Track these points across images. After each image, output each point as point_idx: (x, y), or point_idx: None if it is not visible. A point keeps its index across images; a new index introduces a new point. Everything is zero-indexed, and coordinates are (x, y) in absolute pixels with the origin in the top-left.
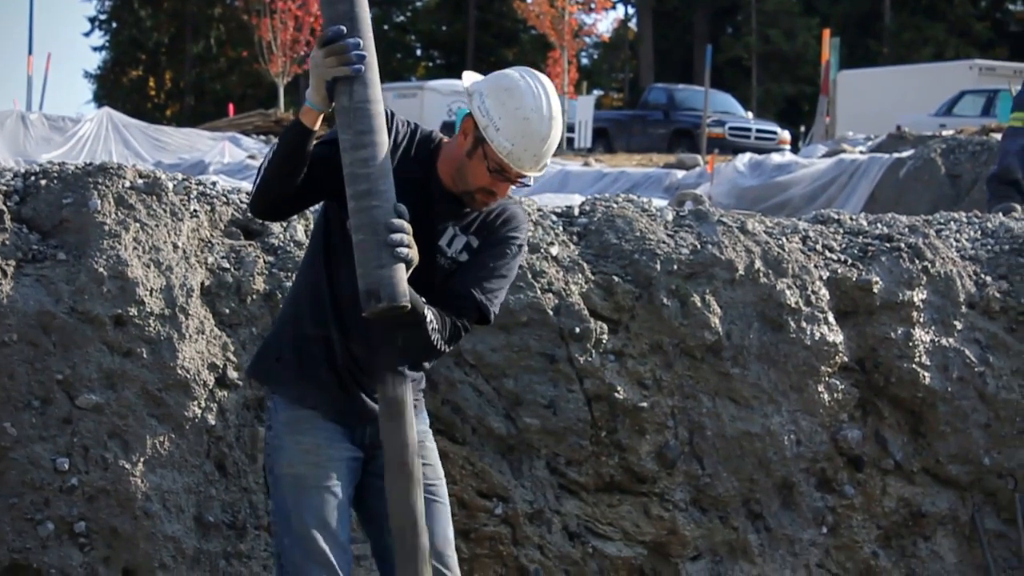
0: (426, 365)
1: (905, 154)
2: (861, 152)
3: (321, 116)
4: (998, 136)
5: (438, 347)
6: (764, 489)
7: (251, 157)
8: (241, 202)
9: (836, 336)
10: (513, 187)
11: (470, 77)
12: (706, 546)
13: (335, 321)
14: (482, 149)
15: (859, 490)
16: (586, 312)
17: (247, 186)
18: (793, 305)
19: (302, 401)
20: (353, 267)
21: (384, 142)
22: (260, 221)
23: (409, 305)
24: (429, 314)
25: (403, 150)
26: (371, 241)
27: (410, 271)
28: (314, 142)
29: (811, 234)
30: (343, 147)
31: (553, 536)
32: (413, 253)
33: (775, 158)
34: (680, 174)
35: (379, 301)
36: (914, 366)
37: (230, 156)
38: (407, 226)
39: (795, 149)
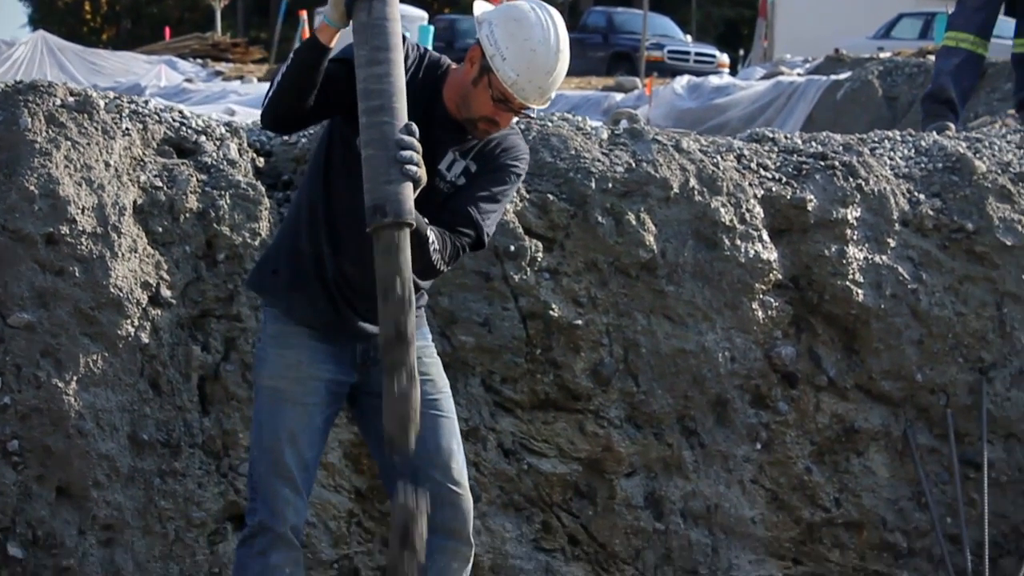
0: (425, 284)
1: (842, 76)
2: (799, 75)
3: (337, 33)
4: (934, 58)
5: (438, 267)
6: (698, 406)
7: (188, 81)
8: (174, 120)
9: (770, 254)
10: (516, 118)
11: (481, 6)
12: (641, 462)
13: (328, 238)
14: (487, 78)
15: (793, 406)
16: (521, 230)
17: (180, 107)
18: (727, 223)
19: (291, 314)
20: (350, 185)
21: (400, 60)
22: (194, 140)
23: (415, 223)
24: (431, 234)
25: (411, 74)
26: (381, 156)
27: (417, 191)
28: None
29: (746, 152)
30: (358, 63)
31: (488, 453)
32: (422, 172)
33: (713, 81)
34: (619, 97)
35: (384, 216)
36: (848, 283)
37: (167, 80)
38: (417, 145)
39: (734, 72)
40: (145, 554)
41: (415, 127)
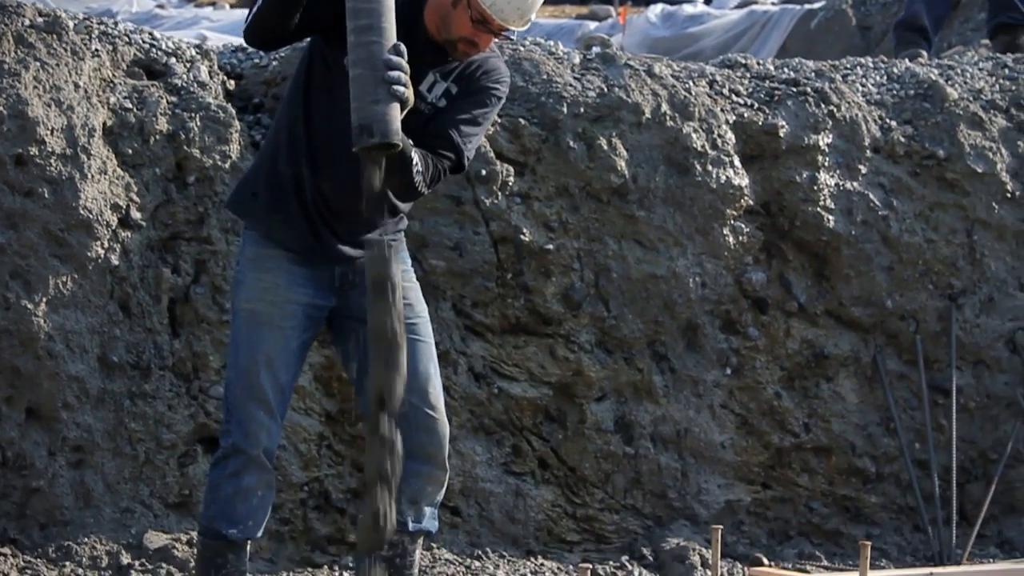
0: (404, 207)
1: (816, 5)
2: (772, 4)
3: None
4: None
5: (419, 189)
6: (669, 331)
7: (160, 7)
8: (144, 42)
9: (741, 180)
10: (496, 40)
11: None
12: (611, 387)
13: (308, 159)
14: None
15: (763, 332)
16: (492, 154)
17: (150, 29)
18: (699, 149)
19: (270, 237)
20: (331, 107)
21: None
22: (164, 62)
23: (401, 144)
24: (415, 156)
25: None
26: (368, 76)
27: (404, 112)
28: None
29: (718, 78)
30: None
31: (459, 377)
32: (409, 93)
33: (687, 9)
34: (592, 25)
35: (371, 136)
36: (819, 210)
37: (138, 6)
38: (406, 65)
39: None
40: (115, 476)
41: (403, 48)
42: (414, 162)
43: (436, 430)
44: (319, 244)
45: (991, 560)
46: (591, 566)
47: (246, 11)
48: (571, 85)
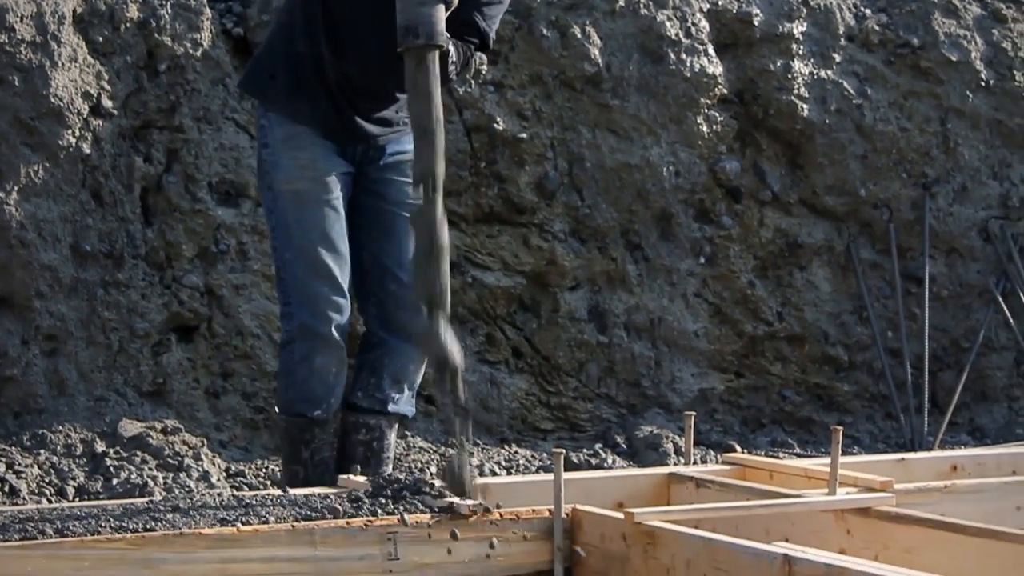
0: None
1: None
2: None
3: None
4: None
5: (451, 79)
6: (643, 220)
7: None
8: None
9: (716, 68)
10: None
11: None
12: (585, 276)
13: (328, 41)
14: None
15: (737, 221)
16: None
17: None
18: (673, 37)
19: (296, 117)
20: None
21: None
22: None
23: (446, 46)
24: (452, 49)
25: None
26: None
27: (449, 11)
28: None
29: None
30: None
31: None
32: None
33: None
34: None
35: (417, 38)
36: (793, 98)
37: None
38: None
39: None
40: (89, 364)
41: None
42: (451, 56)
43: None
44: (342, 123)
45: (962, 447)
46: (564, 451)
47: None
48: None
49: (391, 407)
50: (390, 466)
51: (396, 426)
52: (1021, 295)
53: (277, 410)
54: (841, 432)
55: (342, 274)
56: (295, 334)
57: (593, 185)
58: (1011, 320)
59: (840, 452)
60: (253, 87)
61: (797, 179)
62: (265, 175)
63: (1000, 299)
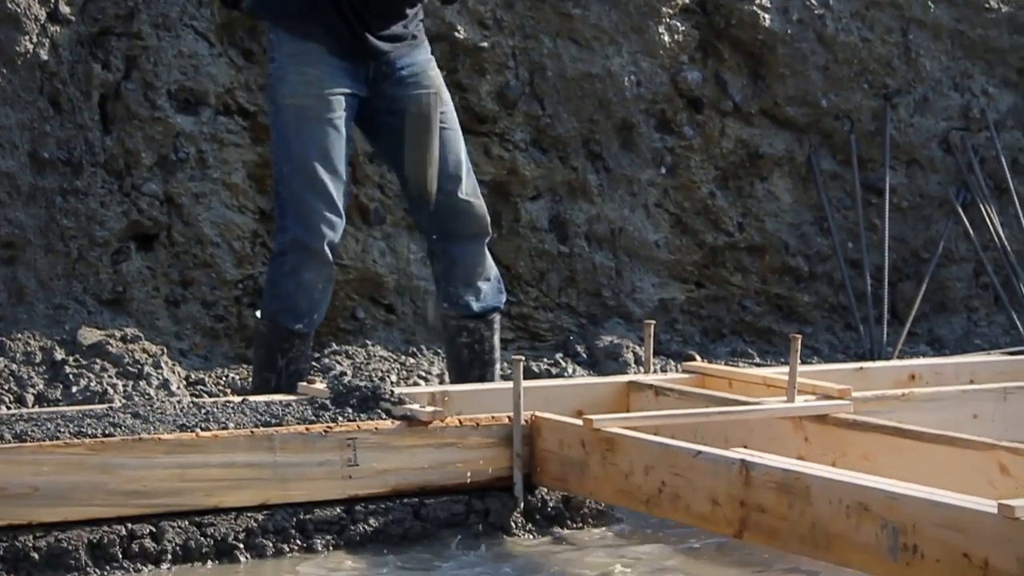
0: None
1: None
2: None
3: None
4: None
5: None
6: (604, 130)
7: None
8: None
9: None
10: None
11: None
12: (546, 186)
13: None
14: None
15: (698, 131)
16: None
17: None
18: None
19: (307, 36)
20: None
21: None
22: None
23: None
24: None
25: None
26: None
27: None
28: None
29: None
30: None
31: (392, 175)
32: None
33: None
34: None
35: None
36: (754, 8)
37: None
38: None
39: None
40: (48, 272)
41: None
42: None
43: (474, 213)
44: (355, 41)
45: (921, 357)
46: (523, 359)
47: None
48: None
49: (477, 307)
50: (496, 367)
51: (494, 323)
52: (981, 206)
53: (259, 315)
54: (800, 340)
55: (338, 192)
56: (287, 247)
57: (554, 94)
58: (971, 231)
59: (799, 361)
60: (262, 9)
61: (759, 89)
62: (271, 89)
63: (960, 210)
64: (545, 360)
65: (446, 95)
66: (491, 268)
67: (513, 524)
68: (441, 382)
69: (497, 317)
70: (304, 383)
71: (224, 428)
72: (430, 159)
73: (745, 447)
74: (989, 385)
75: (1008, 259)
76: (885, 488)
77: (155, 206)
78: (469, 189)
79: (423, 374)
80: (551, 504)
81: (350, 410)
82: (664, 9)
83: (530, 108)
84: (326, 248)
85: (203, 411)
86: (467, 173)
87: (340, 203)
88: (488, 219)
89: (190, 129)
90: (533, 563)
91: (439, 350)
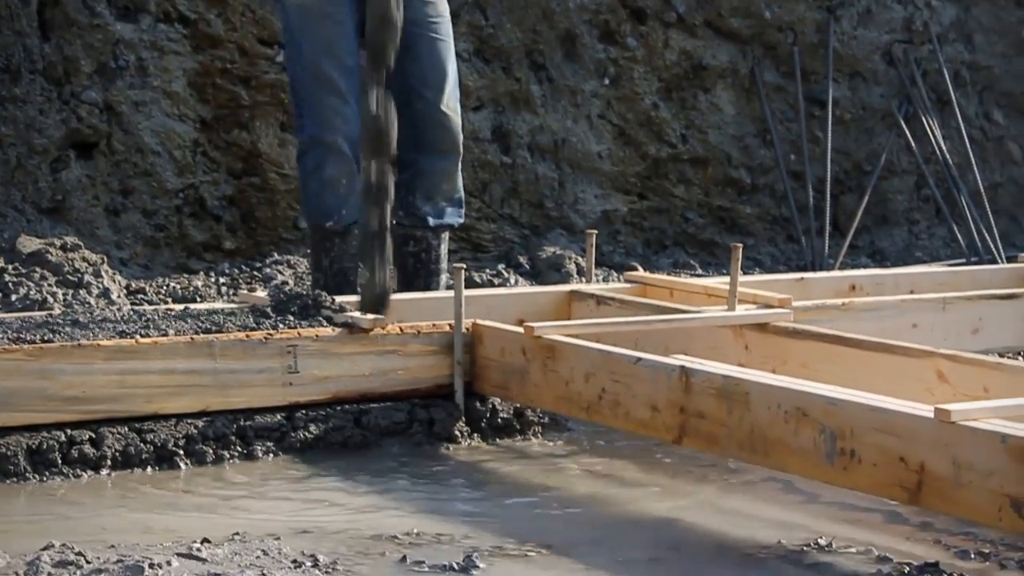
0: None
1: None
2: None
3: None
4: None
5: None
6: (547, 40)
7: None
8: None
9: None
10: None
11: None
12: (489, 96)
13: None
14: None
15: (641, 42)
16: None
17: None
18: None
19: None
20: None
21: None
22: None
23: None
24: None
25: None
26: None
27: None
28: None
29: None
30: None
31: None
32: None
33: None
34: None
35: None
36: None
37: None
38: None
39: None
40: None
41: None
42: None
43: (450, 127)
44: None
45: (863, 269)
46: (464, 266)
47: None
48: None
49: (432, 221)
50: (442, 277)
51: (444, 237)
52: (923, 119)
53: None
54: (741, 249)
55: (348, 85)
56: (307, 145)
57: (497, 4)
58: (913, 144)
59: (740, 270)
60: None
61: (702, 1)
62: None
63: (902, 123)
64: (488, 271)
65: (443, 7)
66: (458, 190)
67: (457, 433)
68: None
69: (448, 232)
70: (245, 291)
71: (164, 335)
72: (421, 68)
73: (686, 355)
74: (929, 295)
75: (949, 172)
76: (823, 393)
77: (95, 114)
78: (451, 103)
79: None
80: (501, 415)
81: (291, 318)
82: None
83: (473, 18)
84: (341, 141)
85: (143, 318)
86: (452, 87)
87: (352, 97)
88: (461, 138)
89: (130, 36)
90: (475, 471)
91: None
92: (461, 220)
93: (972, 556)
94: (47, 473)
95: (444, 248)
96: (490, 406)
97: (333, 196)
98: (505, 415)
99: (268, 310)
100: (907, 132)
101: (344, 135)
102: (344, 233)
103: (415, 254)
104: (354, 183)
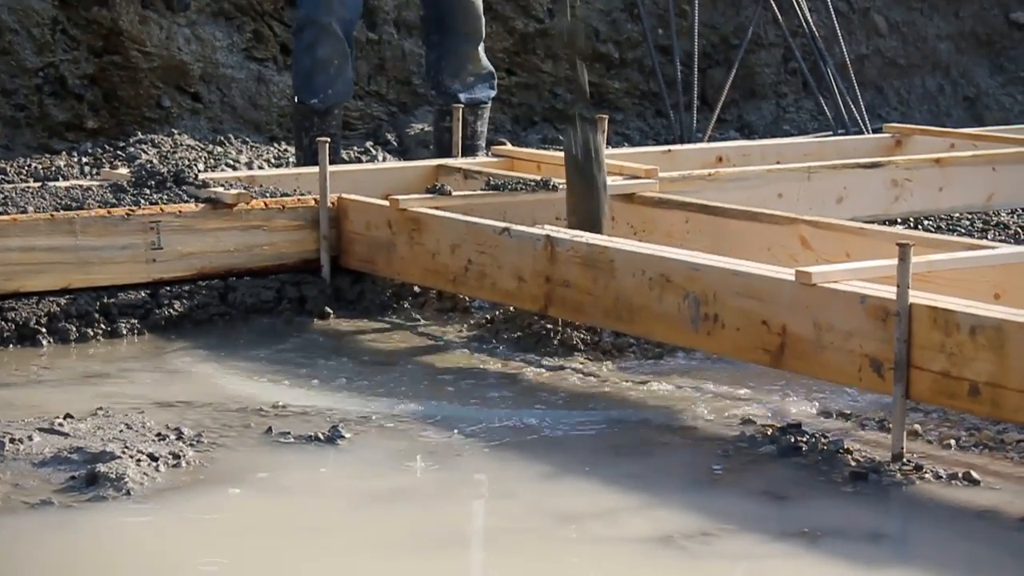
0: None
1: None
2: None
3: None
4: None
5: None
6: None
7: None
8: None
9: None
10: None
11: None
12: None
13: None
14: None
15: None
16: None
17: None
18: None
19: None
20: None
21: None
22: None
23: None
24: None
25: None
26: None
27: None
28: None
29: None
30: None
31: None
32: None
33: None
34: None
35: None
36: None
37: None
38: None
39: None
40: None
41: None
42: None
43: (472, 10)
44: None
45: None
46: (328, 140)
47: None
48: None
49: (463, 97)
50: (481, 152)
51: (481, 113)
52: None
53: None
54: (607, 121)
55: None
56: (303, 23)
57: None
58: (779, 17)
59: (608, 144)
60: None
61: None
62: None
63: None
64: (356, 148)
65: None
66: (485, 67)
67: (327, 310)
68: (250, 170)
69: (486, 106)
70: (107, 170)
71: (23, 212)
72: None
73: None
74: (794, 165)
75: (816, 44)
76: (687, 259)
77: None
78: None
79: (231, 162)
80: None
81: (148, 191)
82: None
83: None
84: (335, 24)
85: (1, 196)
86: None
87: (353, 15)
88: (483, 22)
89: None
90: (344, 347)
91: (248, 139)
92: (493, 93)
93: (834, 416)
94: None
95: (481, 125)
96: (367, 284)
97: (323, 75)
98: (378, 291)
99: (126, 184)
100: (774, 5)
101: (339, 17)
102: (325, 113)
103: (451, 128)
104: (345, 65)
